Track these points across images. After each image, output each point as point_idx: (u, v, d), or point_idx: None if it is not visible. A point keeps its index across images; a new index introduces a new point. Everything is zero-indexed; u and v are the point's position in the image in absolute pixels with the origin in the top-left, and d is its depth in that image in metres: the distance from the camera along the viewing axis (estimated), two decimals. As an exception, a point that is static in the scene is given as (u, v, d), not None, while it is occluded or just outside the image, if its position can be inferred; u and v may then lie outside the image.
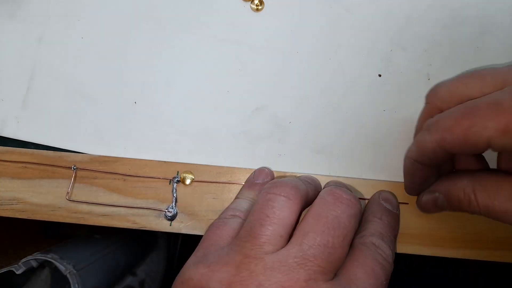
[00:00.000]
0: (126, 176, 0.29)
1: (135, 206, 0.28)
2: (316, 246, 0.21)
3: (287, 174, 0.29)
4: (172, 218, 0.28)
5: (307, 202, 0.24)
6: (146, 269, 0.57)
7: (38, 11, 0.32)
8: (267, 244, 0.21)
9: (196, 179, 0.29)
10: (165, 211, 0.28)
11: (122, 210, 0.29)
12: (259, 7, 0.31)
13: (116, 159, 0.29)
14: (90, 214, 0.29)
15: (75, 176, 0.29)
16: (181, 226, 0.29)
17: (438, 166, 0.24)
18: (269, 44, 0.31)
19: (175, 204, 0.29)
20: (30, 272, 0.41)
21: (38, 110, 0.30)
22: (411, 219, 0.28)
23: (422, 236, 0.28)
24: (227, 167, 0.29)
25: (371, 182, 0.29)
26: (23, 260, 0.40)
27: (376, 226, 0.25)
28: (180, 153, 0.30)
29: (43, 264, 0.41)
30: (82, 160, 0.29)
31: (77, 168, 0.29)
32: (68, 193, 0.29)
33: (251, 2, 0.31)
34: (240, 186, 0.29)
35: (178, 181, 0.29)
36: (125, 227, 0.28)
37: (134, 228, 0.28)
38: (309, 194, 0.24)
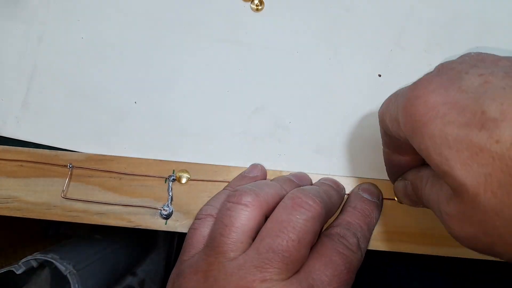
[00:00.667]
0: (122, 174, 0.29)
1: (130, 204, 0.28)
2: (270, 250, 0.22)
3: (287, 174, 0.29)
4: (167, 217, 0.28)
5: (275, 204, 0.25)
6: (146, 269, 0.57)
7: (38, 11, 0.32)
8: (228, 251, 0.23)
9: (192, 177, 0.29)
10: (161, 210, 0.28)
11: (118, 208, 0.29)
12: (259, 7, 0.31)
13: (112, 158, 0.29)
14: (85, 213, 0.29)
15: (71, 175, 0.29)
16: (176, 225, 0.29)
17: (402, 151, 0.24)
18: (269, 44, 0.31)
19: (171, 202, 0.29)
20: (30, 272, 0.41)
21: (38, 110, 0.30)
22: (405, 217, 0.28)
23: (416, 235, 0.28)
24: (222, 165, 0.29)
25: (370, 181, 0.29)
26: (23, 260, 0.40)
27: (345, 216, 0.26)
28: (180, 153, 0.30)
29: (43, 264, 0.41)
30: (78, 159, 0.29)
31: (73, 167, 0.29)
32: (63, 191, 0.29)
33: (251, 2, 0.31)
34: (236, 186, 0.29)
35: (173, 180, 0.29)
36: (120, 225, 0.28)
37: (129, 226, 0.28)
38: (280, 195, 0.25)
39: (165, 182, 0.29)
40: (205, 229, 0.25)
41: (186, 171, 0.29)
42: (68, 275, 0.40)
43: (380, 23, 0.31)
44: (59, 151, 0.30)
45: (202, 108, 0.30)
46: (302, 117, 0.30)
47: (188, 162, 0.29)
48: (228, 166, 0.29)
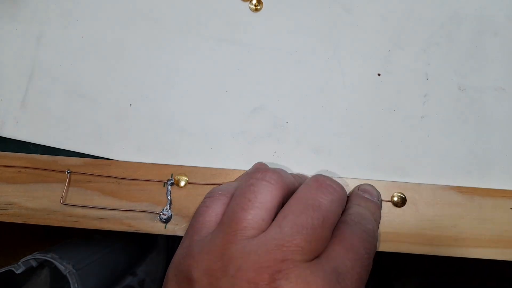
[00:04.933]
0: (120, 179, 0.29)
1: (129, 209, 0.28)
2: (294, 227, 0.21)
3: (286, 174, 0.29)
4: (167, 221, 0.28)
5: (292, 190, 0.24)
6: (146, 269, 0.57)
7: (38, 11, 0.32)
8: (248, 228, 0.21)
9: (191, 181, 0.29)
10: (160, 214, 0.28)
11: (117, 213, 0.29)
12: (258, 7, 0.31)
13: (110, 162, 0.29)
14: (85, 218, 0.29)
15: (69, 180, 0.29)
16: (176, 228, 0.28)
17: None
18: (268, 44, 0.31)
19: (170, 206, 0.29)
20: (30, 271, 0.41)
21: (37, 110, 0.30)
22: (405, 218, 0.28)
23: (416, 236, 0.28)
24: (221, 168, 0.29)
25: (369, 182, 0.28)
26: (23, 259, 0.40)
27: (355, 209, 0.25)
28: (179, 153, 0.30)
29: (42, 264, 0.42)
30: (76, 164, 0.29)
31: (71, 172, 0.29)
32: (62, 197, 0.28)
33: (250, 2, 0.31)
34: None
35: (172, 184, 0.29)
36: (120, 230, 0.28)
37: (129, 231, 0.28)
38: (295, 183, 0.25)
39: (164, 186, 0.29)
40: (218, 207, 0.24)
41: (185, 175, 0.29)
42: (67, 275, 0.40)
43: (379, 23, 0.31)
44: (57, 157, 0.29)
45: (200, 109, 0.30)
46: (300, 117, 0.30)
47: (186, 166, 0.29)
48: (226, 169, 0.29)
